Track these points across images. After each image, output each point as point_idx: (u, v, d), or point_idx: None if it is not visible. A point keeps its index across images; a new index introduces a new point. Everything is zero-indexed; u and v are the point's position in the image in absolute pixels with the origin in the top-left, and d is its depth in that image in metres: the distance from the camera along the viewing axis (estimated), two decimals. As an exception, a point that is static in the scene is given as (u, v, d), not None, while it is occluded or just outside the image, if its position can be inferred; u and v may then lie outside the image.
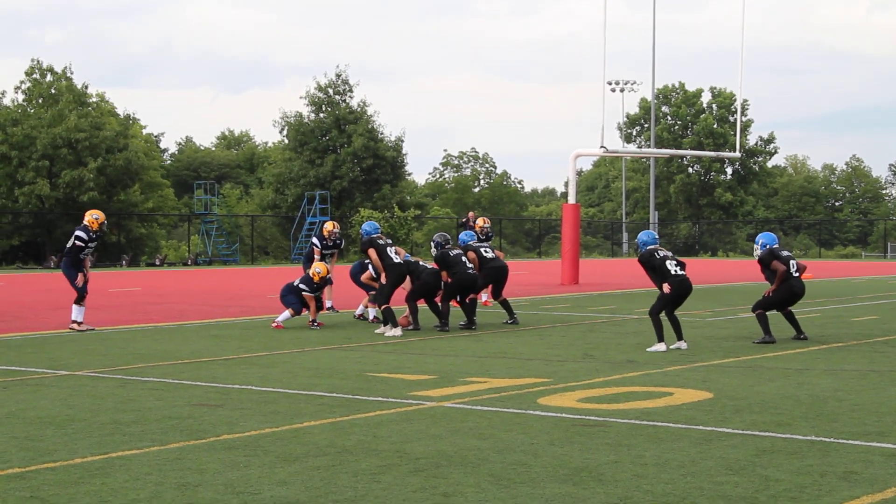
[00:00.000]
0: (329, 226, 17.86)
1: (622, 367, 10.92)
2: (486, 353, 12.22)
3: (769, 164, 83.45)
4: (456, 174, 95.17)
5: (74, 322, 14.72)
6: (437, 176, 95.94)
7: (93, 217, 14.99)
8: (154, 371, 10.65)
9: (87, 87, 53.93)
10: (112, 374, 10.40)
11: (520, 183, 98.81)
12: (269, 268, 45.47)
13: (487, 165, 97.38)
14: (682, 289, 12.54)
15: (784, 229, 75.31)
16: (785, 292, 13.31)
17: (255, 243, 56.09)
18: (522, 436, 7.22)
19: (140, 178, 55.67)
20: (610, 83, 71.09)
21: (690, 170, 79.23)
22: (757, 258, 13.56)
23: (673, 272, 12.54)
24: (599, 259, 56.00)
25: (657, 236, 13.21)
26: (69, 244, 14.87)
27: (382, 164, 60.52)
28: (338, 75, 62.06)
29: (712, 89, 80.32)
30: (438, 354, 12.08)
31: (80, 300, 14.72)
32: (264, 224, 61.01)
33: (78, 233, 14.86)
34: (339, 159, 60.06)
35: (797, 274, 13.38)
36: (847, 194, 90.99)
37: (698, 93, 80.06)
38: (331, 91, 61.74)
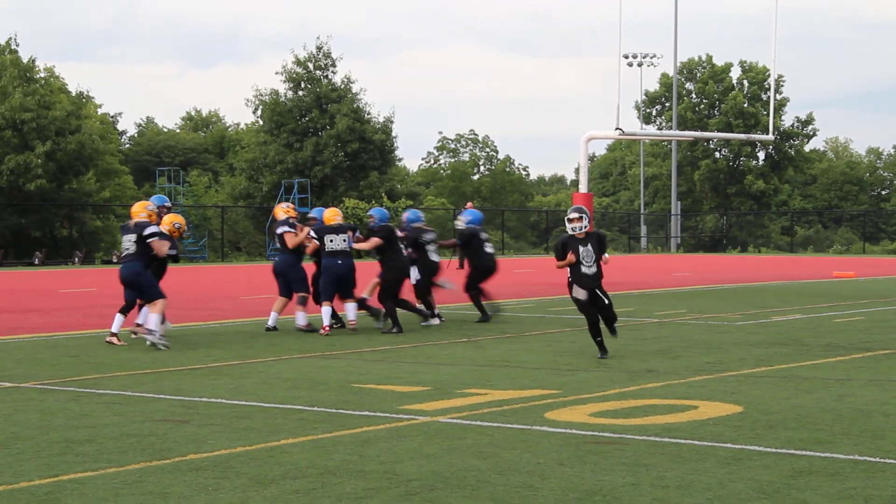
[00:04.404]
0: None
1: (640, 377, 10.93)
2: (487, 361, 12.24)
3: (807, 149, 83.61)
4: (452, 159, 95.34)
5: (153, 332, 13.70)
6: (432, 161, 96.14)
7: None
8: (111, 383, 10.64)
9: (34, 61, 53.91)
10: (63, 387, 10.40)
11: (524, 169, 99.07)
12: (242, 265, 45.50)
13: (488, 150, 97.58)
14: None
15: (823, 221, 75.49)
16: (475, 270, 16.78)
17: (226, 238, 56.13)
18: (528, 455, 7.23)
19: (95, 164, 55.65)
20: (626, 56, 71.15)
21: (718, 154, 79.37)
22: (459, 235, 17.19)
23: (430, 258, 15.95)
24: (615, 255, 56.08)
25: (421, 215, 16.24)
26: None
27: (369, 148, 60.57)
28: (319, 48, 62.13)
29: (742, 63, 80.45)
30: (433, 363, 12.09)
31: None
32: (236, 216, 61.04)
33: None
34: (320, 143, 60.06)
35: (490, 250, 17.13)
36: (895, 182, 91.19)
37: (727, 67, 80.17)
38: (311, 66, 61.75)
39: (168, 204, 15.11)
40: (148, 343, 13.42)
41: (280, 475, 6.67)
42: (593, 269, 12.26)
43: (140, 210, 14.06)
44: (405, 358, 12.57)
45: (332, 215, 15.81)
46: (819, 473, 6.69)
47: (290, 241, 15.57)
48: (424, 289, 16.41)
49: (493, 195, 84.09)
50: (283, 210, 16.15)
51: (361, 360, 12.34)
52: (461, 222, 17.72)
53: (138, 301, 14.31)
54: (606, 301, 12.32)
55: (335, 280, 15.36)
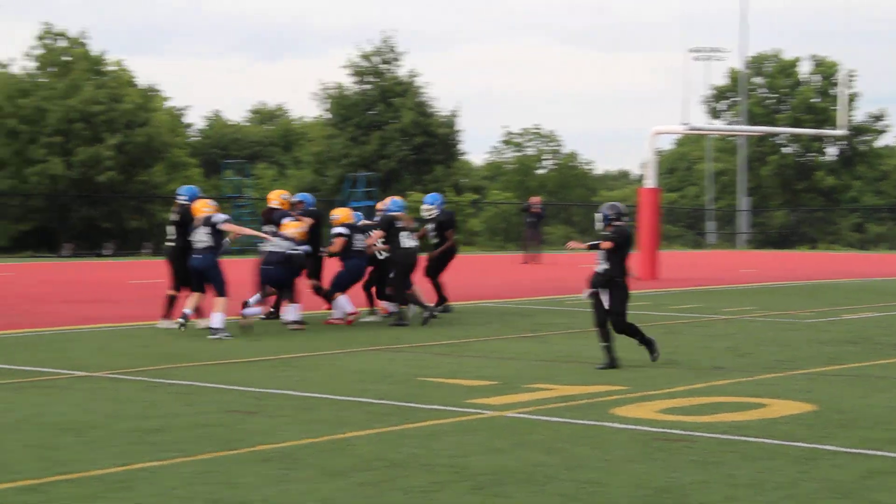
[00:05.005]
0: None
1: (708, 374, 10.84)
2: (553, 356, 12.21)
3: (878, 144, 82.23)
4: (517, 154, 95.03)
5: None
6: (496, 155, 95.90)
7: None
8: (181, 373, 10.77)
9: (104, 55, 54.68)
10: (135, 377, 10.54)
11: (590, 164, 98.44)
12: (307, 258, 45.75)
13: (553, 144, 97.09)
14: (409, 259, 15.24)
15: (895, 218, 74.14)
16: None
17: (292, 231, 56.48)
18: (596, 451, 7.20)
19: (163, 157, 56.28)
20: (693, 51, 70.52)
21: (786, 150, 78.31)
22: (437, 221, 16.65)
23: (404, 245, 15.19)
24: (681, 251, 55.56)
25: (404, 205, 16.01)
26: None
27: (434, 142, 60.58)
28: (384, 41, 62.26)
29: (813, 57, 79.30)
30: (499, 357, 12.09)
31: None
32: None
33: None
34: (385, 136, 60.21)
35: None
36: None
37: (796, 61, 79.07)
38: (376, 59, 61.89)
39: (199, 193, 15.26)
40: (212, 338, 13.56)
41: (348, 467, 6.71)
42: (602, 268, 11.31)
43: (204, 205, 14.30)
44: (471, 352, 12.58)
45: (346, 215, 15.82)
46: (893, 473, 6.59)
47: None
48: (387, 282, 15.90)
49: (559, 190, 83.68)
50: (280, 200, 15.99)
51: (428, 354, 12.36)
52: (431, 211, 16.96)
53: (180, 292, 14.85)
54: (609, 306, 11.33)
55: (356, 280, 15.71)
